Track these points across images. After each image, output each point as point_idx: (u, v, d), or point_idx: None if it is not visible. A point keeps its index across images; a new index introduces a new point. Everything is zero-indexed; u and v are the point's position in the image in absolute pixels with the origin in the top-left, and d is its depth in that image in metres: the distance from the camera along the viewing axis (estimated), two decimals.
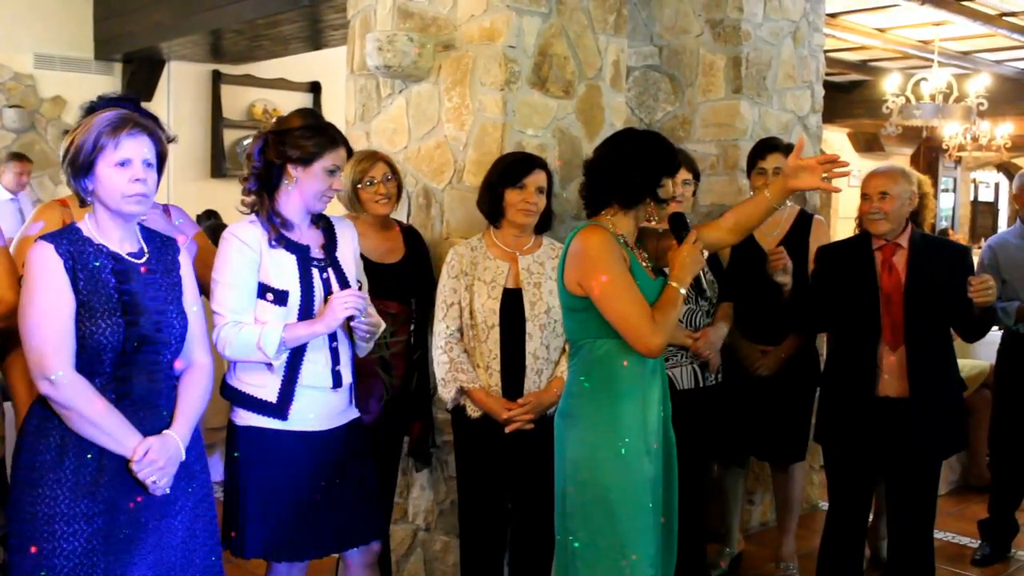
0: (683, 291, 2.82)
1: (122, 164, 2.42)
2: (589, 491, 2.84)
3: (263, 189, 2.90)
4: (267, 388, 2.87)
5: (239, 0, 6.40)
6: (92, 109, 2.76)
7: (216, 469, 5.48)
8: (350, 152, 3.01)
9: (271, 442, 2.88)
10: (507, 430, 3.30)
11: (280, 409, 2.87)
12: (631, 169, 2.87)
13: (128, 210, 2.46)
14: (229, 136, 8.27)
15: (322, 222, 3.01)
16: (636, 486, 2.82)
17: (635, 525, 2.81)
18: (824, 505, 4.23)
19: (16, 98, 7.67)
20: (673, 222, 2.93)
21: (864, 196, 3.66)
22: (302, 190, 2.88)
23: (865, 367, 3.57)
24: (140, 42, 7.57)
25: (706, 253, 2.88)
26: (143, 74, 8.03)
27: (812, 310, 3.79)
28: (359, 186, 3.52)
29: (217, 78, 8.22)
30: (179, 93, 8.06)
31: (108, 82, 7.96)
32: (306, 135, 2.86)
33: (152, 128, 2.51)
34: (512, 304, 3.36)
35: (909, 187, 3.62)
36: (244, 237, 2.85)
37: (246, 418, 2.91)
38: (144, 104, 3.15)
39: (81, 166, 2.43)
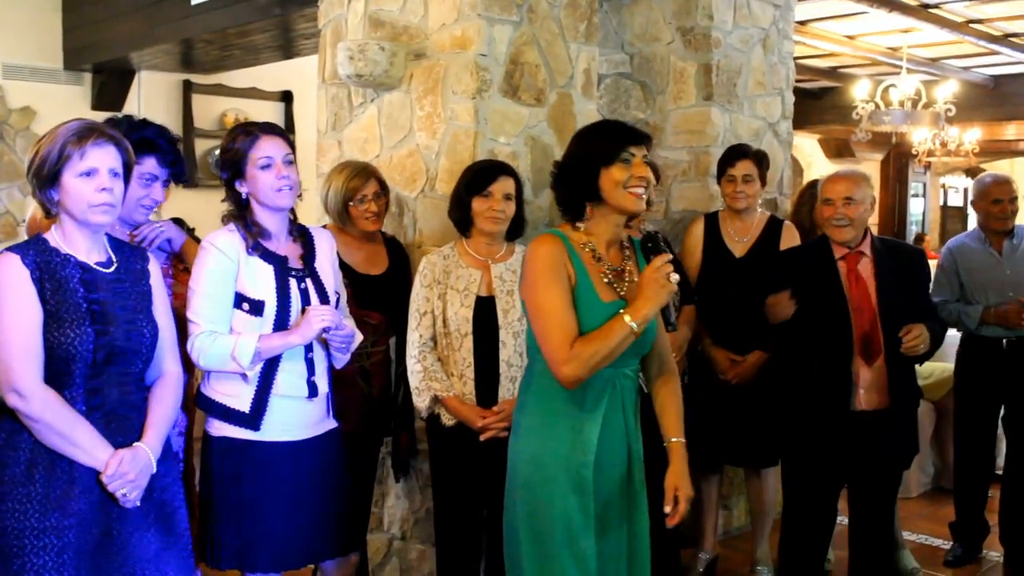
0: (634, 325, 2.46)
1: (88, 174, 2.41)
2: (513, 508, 2.68)
3: (239, 207, 2.91)
4: (240, 398, 2.86)
5: (210, 10, 6.36)
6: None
7: None
8: (283, 136, 2.93)
9: (245, 453, 2.87)
10: (482, 438, 3.30)
11: (253, 419, 2.86)
12: (564, 165, 2.66)
13: (95, 220, 2.44)
14: (200, 146, 8.21)
15: (300, 233, 3.00)
16: (546, 515, 2.58)
17: (543, 550, 2.59)
18: None
19: None
20: (644, 241, 2.61)
21: (827, 201, 3.54)
22: (255, 195, 2.87)
23: (839, 382, 3.45)
24: (110, 52, 7.50)
25: (676, 278, 2.49)
26: (113, 84, 7.96)
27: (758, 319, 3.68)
28: (350, 203, 3.52)
29: (188, 88, 8.16)
30: (150, 103, 7.99)
31: (78, 92, 7.89)
32: (227, 151, 2.87)
33: (118, 138, 2.49)
34: (485, 312, 3.36)
35: (871, 192, 3.57)
36: (221, 246, 2.84)
37: (220, 428, 2.89)
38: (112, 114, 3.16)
39: (47, 176, 2.41)
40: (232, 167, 2.87)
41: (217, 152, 8.24)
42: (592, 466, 2.57)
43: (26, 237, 2.93)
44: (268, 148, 2.84)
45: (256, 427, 2.86)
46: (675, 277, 2.45)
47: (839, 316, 3.46)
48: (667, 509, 2.61)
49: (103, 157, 2.43)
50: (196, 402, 2.99)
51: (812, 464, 3.58)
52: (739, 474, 4.81)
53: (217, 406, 2.89)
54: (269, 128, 2.91)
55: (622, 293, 2.59)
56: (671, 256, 2.52)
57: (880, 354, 3.45)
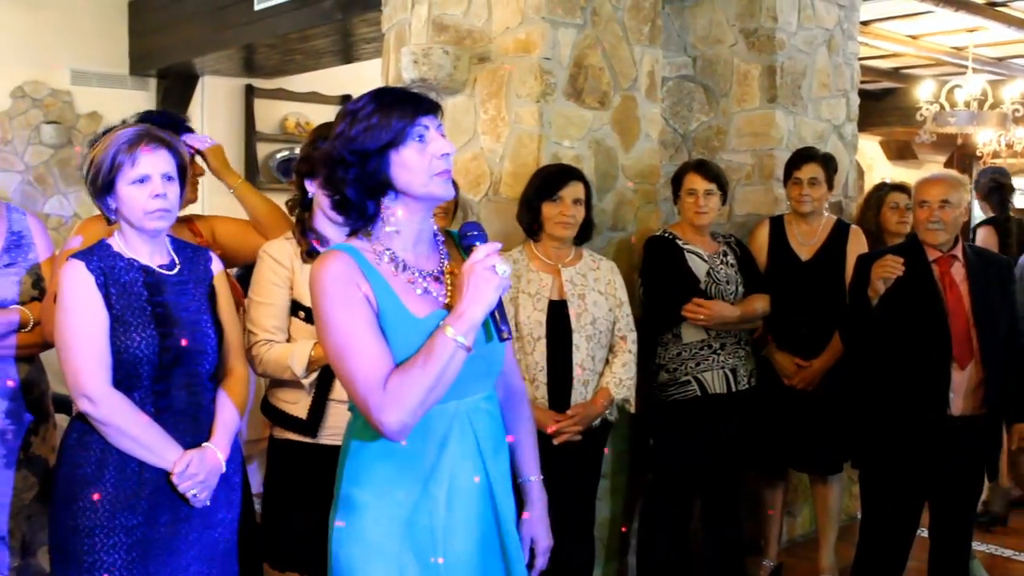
0: (460, 338, 1.87)
1: (141, 181, 2.42)
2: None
3: (302, 207, 2.92)
4: (299, 404, 2.89)
5: (273, 15, 6.44)
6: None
7: (255, 480, 5.53)
8: None
9: (303, 456, 2.89)
10: (555, 442, 3.30)
11: (311, 426, 2.87)
12: (334, 159, 2.01)
13: (151, 226, 2.45)
14: (262, 150, 8.32)
15: None
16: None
17: None
18: None
19: (53, 114, 7.75)
20: (462, 232, 2.06)
21: (922, 204, 3.47)
22: (319, 202, 2.86)
23: (936, 387, 3.38)
24: (174, 57, 7.63)
25: (507, 270, 1.92)
26: (177, 89, 8.09)
27: (860, 325, 3.56)
28: None
29: (250, 92, 8.27)
30: (213, 107, 8.11)
31: (143, 97, 8.03)
32: (312, 148, 2.82)
33: (169, 141, 2.49)
34: (557, 316, 3.36)
35: (967, 196, 3.51)
36: (276, 254, 2.86)
37: (281, 432, 2.94)
38: None
39: (102, 185, 2.44)
40: (310, 164, 2.85)
41: (280, 156, 8.40)
42: (442, 544, 2.01)
43: (64, 252, 2.96)
44: None
45: (313, 434, 2.87)
46: (503, 268, 1.90)
47: (935, 320, 3.40)
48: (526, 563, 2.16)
49: (155, 162, 2.43)
50: (261, 409, 3.04)
51: (899, 472, 3.50)
52: (803, 481, 4.75)
53: (278, 413, 2.93)
54: None
55: (446, 301, 2.02)
56: (499, 245, 1.95)
57: (973, 359, 3.39)
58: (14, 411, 2.75)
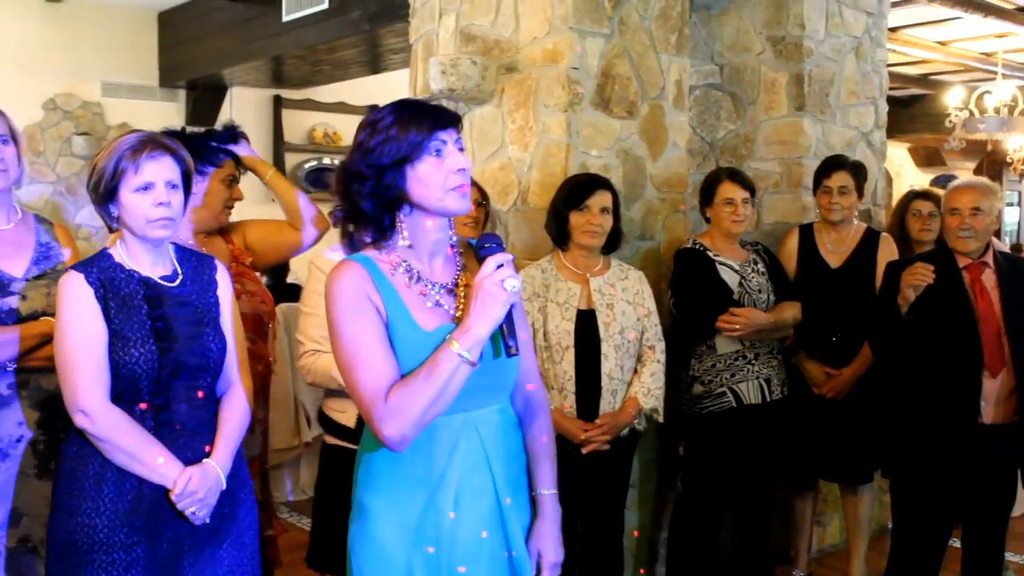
0: (464, 353, 1.86)
1: (144, 188, 2.34)
2: None
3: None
4: (347, 414, 2.95)
5: (301, 26, 6.50)
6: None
7: (285, 488, 5.56)
8: None
9: (351, 462, 2.90)
10: (584, 451, 3.30)
11: (358, 434, 2.87)
12: (352, 173, 2.01)
13: (153, 235, 2.37)
14: (290, 159, 8.39)
15: None
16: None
17: None
18: None
19: (85, 126, 7.86)
20: (479, 243, 2.02)
21: (953, 211, 3.44)
22: None
23: (968, 394, 3.35)
24: (203, 69, 7.72)
25: (515, 284, 1.88)
26: (206, 100, 8.18)
27: (889, 333, 3.54)
28: None
29: (278, 103, 8.35)
30: (241, 118, 8.05)
31: (172, 108, 8.13)
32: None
33: (174, 148, 2.42)
34: (586, 325, 3.36)
35: (998, 203, 3.48)
36: (324, 267, 2.89)
37: (332, 439, 3.03)
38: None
39: (104, 192, 2.36)
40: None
41: (308, 165, 8.44)
42: (448, 553, 2.01)
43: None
44: None
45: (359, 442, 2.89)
46: (512, 284, 1.87)
47: (966, 327, 3.37)
48: None
49: (158, 170, 2.36)
50: (318, 419, 3.11)
51: (930, 481, 3.47)
52: (833, 490, 4.72)
53: (329, 421, 3.02)
54: None
55: (457, 314, 2.01)
56: (511, 257, 1.92)
57: (1004, 367, 3.37)
58: (46, 422, 2.76)
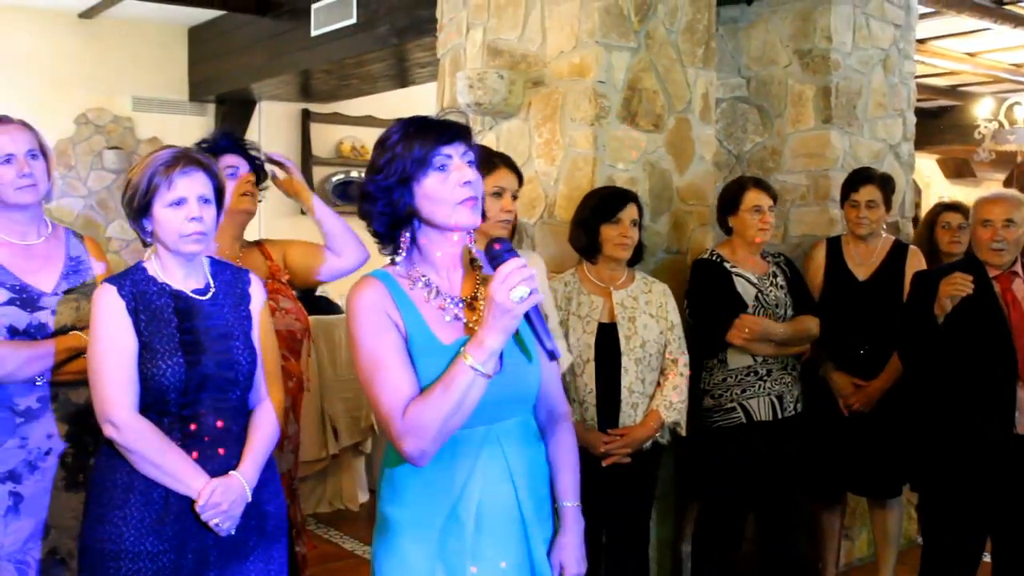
0: (478, 365, 1.83)
1: (177, 203, 2.37)
2: None
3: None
4: None
5: (329, 41, 6.55)
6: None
7: (310, 502, 5.58)
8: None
9: None
10: (604, 464, 3.30)
11: None
12: (366, 188, 2.05)
13: (187, 250, 2.41)
14: (318, 173, 8.45)
15: None
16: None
17: None
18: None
19: (115, 140, 7.95)
20: (488, 250, 1.92)
21: (985, 223, 3.42)
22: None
23: (1002, 405, 3.31)
24: (232, 83, 7.79)
25: (525, 295, 1.81)
26: (235, 114, 8.26)
27: (922, 344, 3.49)
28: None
29: (306, 117, 8.41)
30: (270, 132, 8.26)
31: (202, 122, 8.21)
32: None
33: (207, 163, 2.45)
34: (607, 339, 3.37)
35: None
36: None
37: None
38: None
39: (138, 207, 2.40)
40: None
41: (335, 179, 8.49)
42: (471, 565, 2.00)
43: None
44: None
45: None
46: (519, 293, 1.80)
47: (1000, 337, 3.34)
48: None
49: (191, 185, 2.39)
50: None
51: (961, 494, 3.42)
52: (861, 504, 4.69)
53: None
54: None
55: (475, 327, 1.96)
56: (523, 262, 1.84)
57: None
58: (75, 435, 2.78)
